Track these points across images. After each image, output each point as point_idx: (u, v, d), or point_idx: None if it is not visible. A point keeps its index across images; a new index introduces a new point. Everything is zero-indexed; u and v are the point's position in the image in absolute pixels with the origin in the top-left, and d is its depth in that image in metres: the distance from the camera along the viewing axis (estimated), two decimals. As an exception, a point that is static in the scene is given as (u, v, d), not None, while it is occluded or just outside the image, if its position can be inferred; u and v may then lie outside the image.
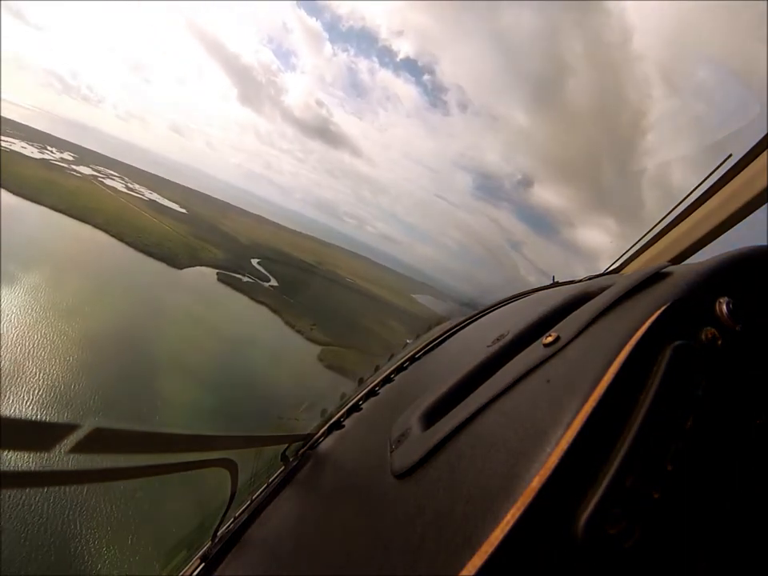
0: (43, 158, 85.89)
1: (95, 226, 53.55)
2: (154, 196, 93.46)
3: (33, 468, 0.74)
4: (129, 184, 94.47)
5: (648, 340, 0.54)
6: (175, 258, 52.81)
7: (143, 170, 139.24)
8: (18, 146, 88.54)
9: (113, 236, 52.50)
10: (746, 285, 0.60)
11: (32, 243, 39.45)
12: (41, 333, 26.65)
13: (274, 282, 64.69)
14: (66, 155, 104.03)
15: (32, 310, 29.09)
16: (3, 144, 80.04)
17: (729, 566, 0.45)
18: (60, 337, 27.06)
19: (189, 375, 28.30)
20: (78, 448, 0.70)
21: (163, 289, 43.47)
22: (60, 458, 0.70)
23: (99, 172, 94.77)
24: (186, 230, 69.86)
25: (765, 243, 0.65)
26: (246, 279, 58.84)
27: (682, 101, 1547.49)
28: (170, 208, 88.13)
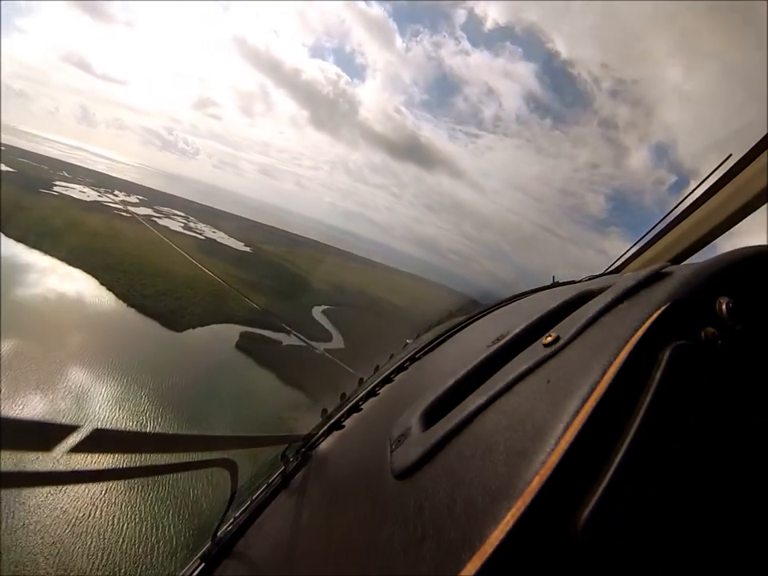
0: (96, 200, 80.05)
1: (87, 270, 41.23)
2: (216, 235, 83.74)
3: (33, 468, 0.75)
4: (190, 223, 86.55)
5: (648, 340, 0.54)
6: (180, 314, 37.32)
7: (217, 210, 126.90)
8: (76, 190, 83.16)
9: (103, 284, 39.51)
10: (747, 284, 0.60)
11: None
12: None
13: (337, 342, 43.21)
14: (133, 198, 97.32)
15: None
16: (58, 189, 77.29)
17: (729, 566, 0.45)
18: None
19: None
20: (78, 448, 0.70)
21: (124, 368, 25.77)
22: (60, 458, 0.70)
23: (160, 213, 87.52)
24: (233, 272, 56.05)
25: (765, 243, 0.65)
26: (287, 342, 39.78)
27: None
28: (230, 247, 76.03)
